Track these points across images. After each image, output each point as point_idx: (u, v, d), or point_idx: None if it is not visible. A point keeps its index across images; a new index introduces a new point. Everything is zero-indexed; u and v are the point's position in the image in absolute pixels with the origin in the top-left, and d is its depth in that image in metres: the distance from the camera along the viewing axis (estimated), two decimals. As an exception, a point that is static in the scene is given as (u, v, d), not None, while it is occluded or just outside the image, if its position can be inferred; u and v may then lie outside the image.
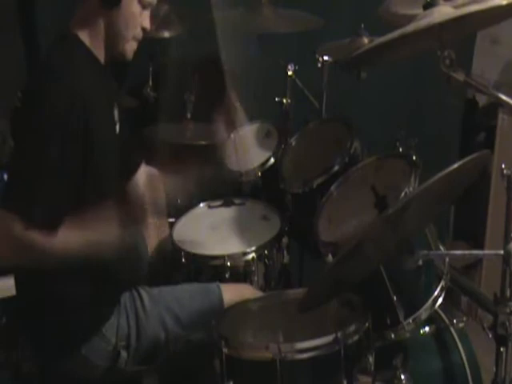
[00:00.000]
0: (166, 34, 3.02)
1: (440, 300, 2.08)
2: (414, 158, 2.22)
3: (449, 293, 2.12)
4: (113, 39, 2.08)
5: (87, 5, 2.04)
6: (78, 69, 2.01)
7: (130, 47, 2.11)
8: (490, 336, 1.86)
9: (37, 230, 1.88)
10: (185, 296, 2.23)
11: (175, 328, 2.16)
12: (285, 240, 2.57)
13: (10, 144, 2.12)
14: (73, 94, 1.95)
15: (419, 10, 1.84)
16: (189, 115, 3.12)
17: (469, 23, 1.83)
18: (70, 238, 1.93)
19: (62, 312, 2.06)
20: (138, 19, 2.08)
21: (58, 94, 1.94)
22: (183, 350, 2.18)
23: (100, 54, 2.08)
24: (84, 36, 2.05)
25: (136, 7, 2.06)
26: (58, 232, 1.91)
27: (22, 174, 1.93)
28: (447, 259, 2.13)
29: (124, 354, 2.10)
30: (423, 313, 2.06)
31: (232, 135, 2.95)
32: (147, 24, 2.11)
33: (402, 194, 2.07)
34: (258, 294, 2.33)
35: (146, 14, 2.10)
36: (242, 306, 2.15)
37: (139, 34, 2.11)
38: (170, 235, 2.55)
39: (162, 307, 2.17)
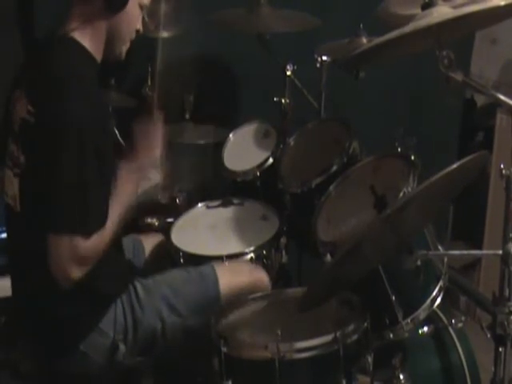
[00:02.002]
0: (165, 34, 3.01)
1: (438, 300, 2.08)
2: (413, 158, 2.22)
3: (447, 293, 2.12)
4: (113, 42, 2.09)
5: (88, 8, 2.03)
6: (89, 76, 2.03)
7: (126, 48, 2.15)
8: (489, 336, 1.86)
9: (95, 235, 1.96)
10: (179, 283, 2.23)
11: (171, 317, 2.16)
12: (283, 240, 2.57)
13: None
14: (93, 104, 1.98)
15: (418, 11, 1.84)
16: (187, 115, 3.12)
17: (467, 23, 1.83)
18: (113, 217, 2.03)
19: (60, 310, 2.06)
20: (137, 22, 2.13)
21: (80, 107, 1.94)
22: (180, 338, 2.18)
23: (98, 56, 2.09)
24: (83, 39, 2.04)
25: (137, 10, 2.11)
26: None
27: (65, 192, 1.94)
28: (446, 259, 2.14)
29: (122, 347, 2.11)
30: (422, 313, 2.06)
31: (231, 135, 2.96)
32: (140, 26, 2.15)
33: (401, 194, 2.07)
34: (256, 269, 2.35)
35: (141, 15, 2.14)
36: (240, 305, 2.15)
37: (134, 35, 2.15)
38: (168, 235, 2.55)
39: (156, 297, 2.17)
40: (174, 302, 2.18)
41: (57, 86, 1.97)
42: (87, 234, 1.94)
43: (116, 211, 2.03)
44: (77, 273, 1.96)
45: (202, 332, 2.08)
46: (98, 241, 1.97)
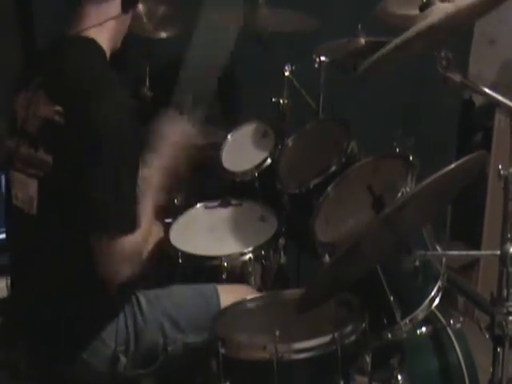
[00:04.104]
0: (163, 35, 3.02)
1: (437, 300, 2.08)
2: (411, 158, 2.22)
3: (446, 293, 2.12)
4: (118, 38, 2.12)
5: (103, 9, 2.04)
6: (114, 75, 2.03)
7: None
8: (487, 336, 1.87)
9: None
10: (182, 299, 2.22)
11: (173, 332, 2.16)
12: (282, 240, 2.57)
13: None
14: (126, 102, 2.00)
15: (416, 11, 1.84)
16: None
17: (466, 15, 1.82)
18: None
19: (63, 317, 2.04)
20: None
21: (117, 106, 1.96)
22: (181, 354, 2.17)
23: (108, 54, 2.10)
24: (101, 39, 2.06)
25: None
26: None
27: (109, 194, 1.94)
28: (444, 259, 2.14)
29: (123, 358, 2.10)
30: (420, 313, 2.06)
31: (229, 136, 2.96)
32: None
33: (399, 195, 2.07)
34: (256, 294, 2.33)
35: None
36: (238, 306, 2.15)
37: None
38: (167, 236, 2.55)
39: (159, 311, 2.16)
40: (176, 318, 2.17)
41: (90, 86, 1.97)
42: (131, 230, 1.97)
43: (147, 207, 2.09)
44: (127, 271, 1.99)
45: (201, 348, 2.09)
46: (139, 236, 2.00)
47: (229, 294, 2.25)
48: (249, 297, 2.20)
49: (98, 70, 2.03)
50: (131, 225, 1.97)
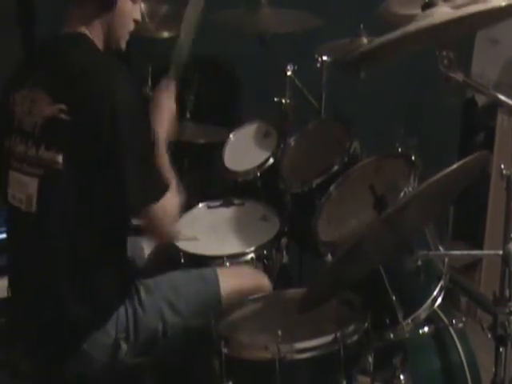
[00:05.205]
0: (166, 34, 3.02)
1: (439, 300, 2.08)
2: (414, 158, 2.22)
3: (448, 293, 2.12)
4: (111, 38, 2.12)
5: (84, 11, 2.07)
6: (111, 60, 2.07)
7: (125, 40, 2.17)
8: (489, 336, 1.86)
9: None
10: (180, 283, 2.22)
11: (172, 317, 2.16)
12: (284, 240, 2.56)
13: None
14: (128, 80, 2.04)
15: (418, 11, 1.84)
16: (188, 115, 3.13)
17: (468, 23, 1.83)
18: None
19: (64, 313, 2.05)
20: (131, 16, 2.14)
21: (122, 88, 2.00)
22: (181, 338, 2.18)
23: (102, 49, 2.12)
24: (92, 36, 2.08)
25: (128, 5, 2.12)
26: None
27: (144, 170, 2.02)
28: (446, 259, 2.14)
29: (124, 346, 2.10)
30: (422, 313, 2.06)
31: (232, 135, 2.96)
32: (138, 16, 2.18)
33: (402, 194, 2.07)
34: (257, 272, 2.37)
35: (137, 7, 2.16)
36: (241, 306, 2.15)
37: (132, 27, 2.17)
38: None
39: (158, 297, 2.17)
40: (175, 303, 2.17)
41: (91, 76, 2.00)
42: (166, 191, 2.06)
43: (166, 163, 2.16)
44: (174, 226, 2.16)
45: (202, 333, 2.08)
46: (172, 191, 2.09)
47: (229, 277, 2.27)
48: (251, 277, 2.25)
49: (94, 59, 2.05)
50: (165, 186, 2.06)
